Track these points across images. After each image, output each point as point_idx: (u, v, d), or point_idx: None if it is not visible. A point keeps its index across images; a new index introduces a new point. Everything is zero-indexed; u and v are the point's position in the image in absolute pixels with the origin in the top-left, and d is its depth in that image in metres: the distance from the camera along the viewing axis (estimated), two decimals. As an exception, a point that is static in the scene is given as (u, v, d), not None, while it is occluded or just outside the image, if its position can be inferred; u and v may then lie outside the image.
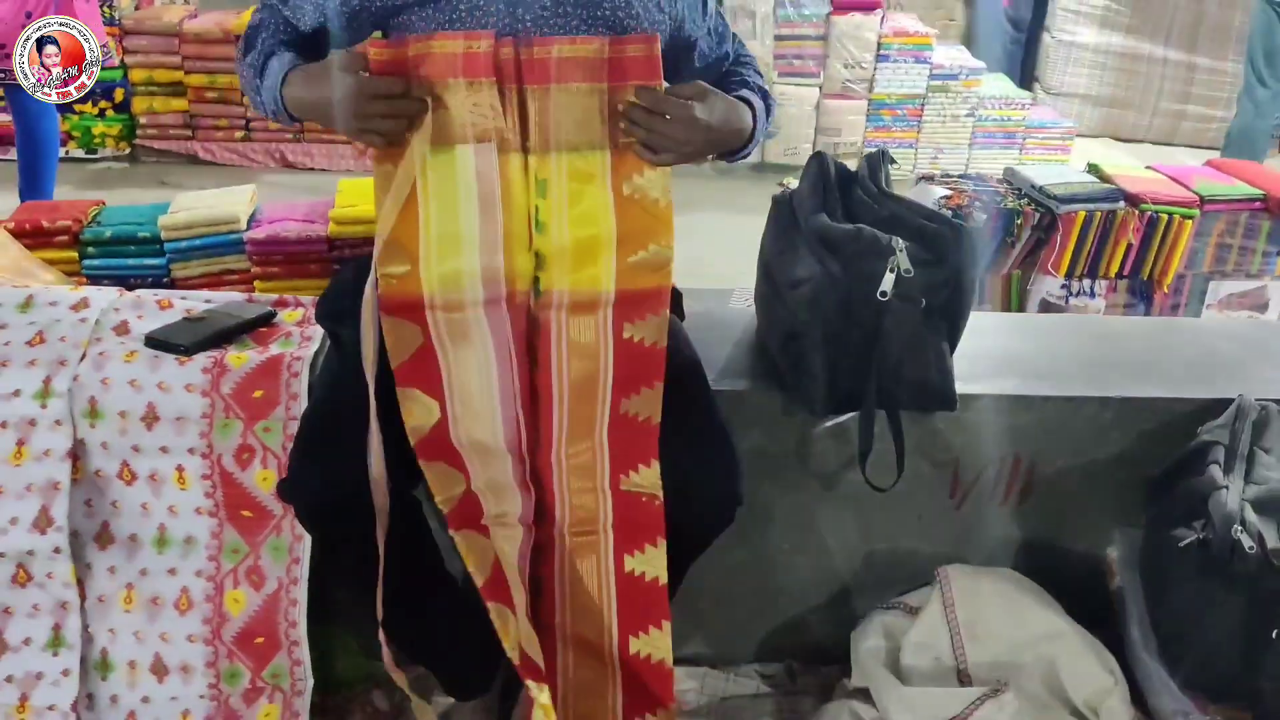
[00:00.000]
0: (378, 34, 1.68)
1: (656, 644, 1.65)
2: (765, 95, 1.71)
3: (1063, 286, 3.14)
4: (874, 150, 1.92)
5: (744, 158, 1.70)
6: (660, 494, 1.58)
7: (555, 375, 1.60)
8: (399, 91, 1.45)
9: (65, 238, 2.38)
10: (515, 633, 1.55)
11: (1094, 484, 1.92)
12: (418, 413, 1.53)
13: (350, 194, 2.48)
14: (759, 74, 1.79)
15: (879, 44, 5.09)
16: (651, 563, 1.61)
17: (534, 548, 1.62)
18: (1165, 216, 3.06)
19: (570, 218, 1.56)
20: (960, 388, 1.77)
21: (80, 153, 4.87)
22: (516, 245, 1.56)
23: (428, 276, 1.53)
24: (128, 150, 4.95)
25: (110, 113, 4.85)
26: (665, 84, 1.51)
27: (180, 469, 1.71)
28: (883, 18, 5.13)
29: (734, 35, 1.82)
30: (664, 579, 1.62)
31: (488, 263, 1.54)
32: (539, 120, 1.52)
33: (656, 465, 1.57)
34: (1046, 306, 3.14)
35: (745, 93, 1.66)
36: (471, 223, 1.53)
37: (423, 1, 1.55)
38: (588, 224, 1.57)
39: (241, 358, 1.72)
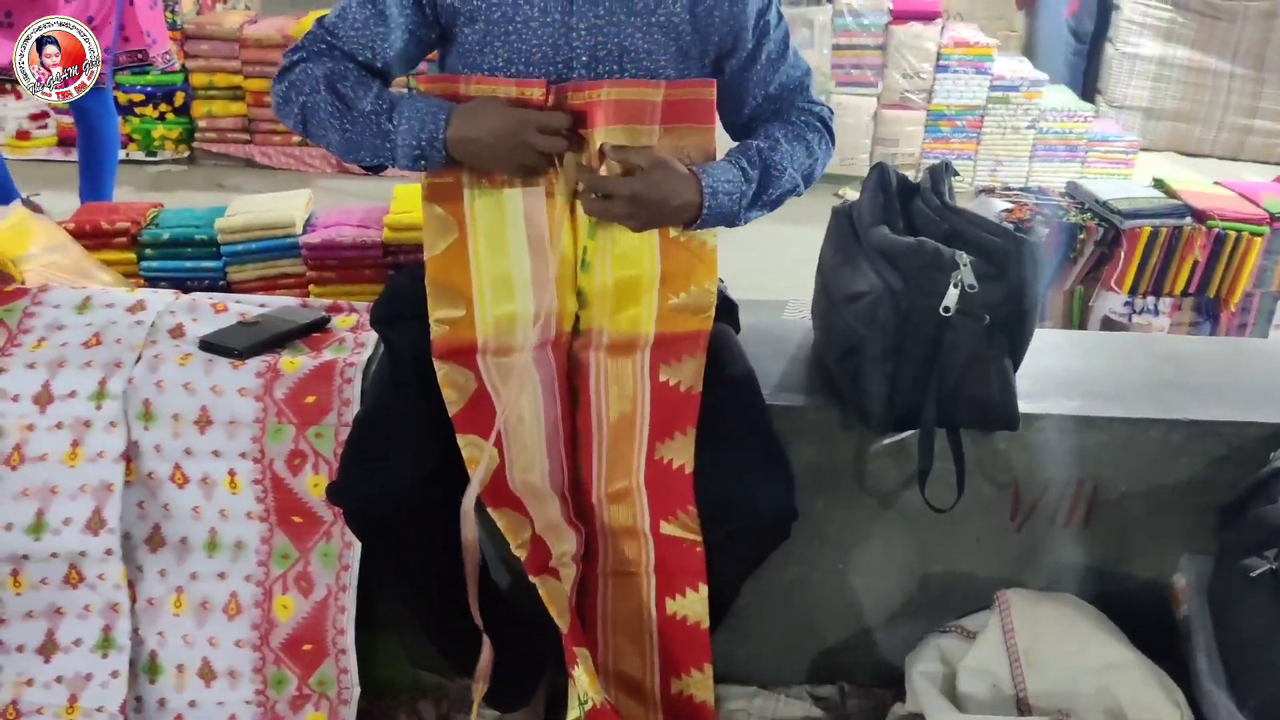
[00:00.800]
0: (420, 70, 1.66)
1: (698, 685, 1.65)
2: (767, 169, 1.57)
3: (1126, 304, 3.07)
4: (937, 162, 1.88)
5: (714, 225, 1.56)
6: (700, 539, 1.57)
7: (595, 415, 1.61)
8: (564, 125, 1.47)
9: (124, 239, 2.40)
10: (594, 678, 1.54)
11: (1160, 509, 1.87)
12: (483, 459, 1.51)
13: (405, 200, 2.48)
14: (802, 139, 1.64)
15: (939, 54, 5.03)
16: (692, 607, 1.61)
17: (579, 584, 1.61)
18: (1233, 233, 2.99)
19: (614, 257, 1.56)
20: (1022, 407, 1.72)
21: (140, 155, 4.93)
22: (563, 288, 1.56)
23: (482, 321, 1.54)
24: (186, 153, 5.01)
25: (170, 116, 4.91)
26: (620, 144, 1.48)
27: (232, 473, 1.71)
28: (943, 28, 5.07)
29: (803, 81, 1.70)
30: (705, 623, 1.62)
31: (540, 306, 1.54)
32: (590, 163, 1.51)
33: (694, 510, 1.56)
34: (1109, 324, 3.07)
35: (742, 162, 1.56)
36: (523, 266, 1.54)
37: (478, 13, 1.53)
38: (630, 264, 1.57)
39: (295, 363, 1.71)
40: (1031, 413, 1.78)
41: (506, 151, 1.47)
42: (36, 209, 3.60)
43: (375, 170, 1.59)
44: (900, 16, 5.01)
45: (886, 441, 1.78)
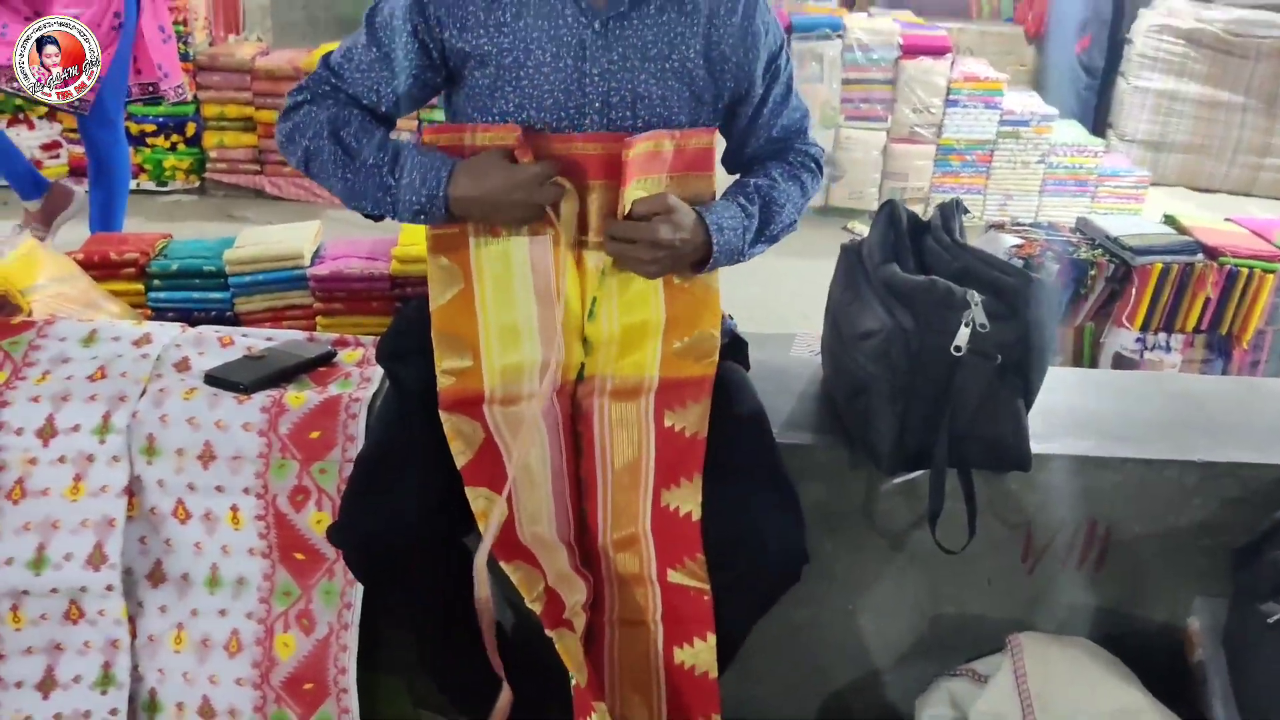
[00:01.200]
0: (424, 119, 1.67)
1: None
2: (767, 205, 1.60)
3: (1137, 340, 3.04)
4: (948, 199, 1.87)
5: (724, 263, 1.58)
6: (708, 587, 1.55)
7: (599, 462, 1.59)
8: (553, 174, 1.47)
9: (132, 270, 2.39)
10: None
11: (1174, 551, 1.84)
12: (494, 514, 1.49)
13: (413, 232, 2.47)
14: (798, 179, 1.67)
15: (948, 89, 5.03)
16: (701, 656, 1.59)
17: (585, 633, 1.59)
18: (1245, 270, 2.97)
19: (621, 304, 1.56)
20: (1034, 447, 1.70)
21: (151, 185, 4.94)
22: (570, 336, 1.55)
23: (489, 371, 1.53)
24: (197, 183, 5.02)
25: (181, 146, 4.93)
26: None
27: (235, 509, 1.69)
28: (953, 63, 5.07)
29: (802, 124, 1.72)
30: (714, 673, 1.59)
31: (547, 355, 1.53)
32: (600, 212, 1.51)
33: (702, 559, 1.54)
34: (1120, 360, 3.05)
35: (740, 199, 1.58)
36: (530, 315, 1.53)
37: (489, 58, 1.53)
38: (637, 310, 1.56)
39: (300, 398, 1.70)
40: (1044, 453, 1.76)
41: (508, 207, 1.48)
42: (67, 193, 3.61)
43: (376, 219, 1.58)
44: (910, 51, 5.01)
45: (897, 481, 1.77)
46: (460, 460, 1.49)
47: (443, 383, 1.52)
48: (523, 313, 1.53)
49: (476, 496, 1.49)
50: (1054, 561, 1.86)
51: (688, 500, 1.54)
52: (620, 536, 1.59)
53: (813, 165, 1.71)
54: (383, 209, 1.53)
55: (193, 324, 2.01)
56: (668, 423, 1.56)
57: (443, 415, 1.51)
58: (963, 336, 1.58)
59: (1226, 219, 3.29)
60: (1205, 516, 1.82)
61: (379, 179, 1.50)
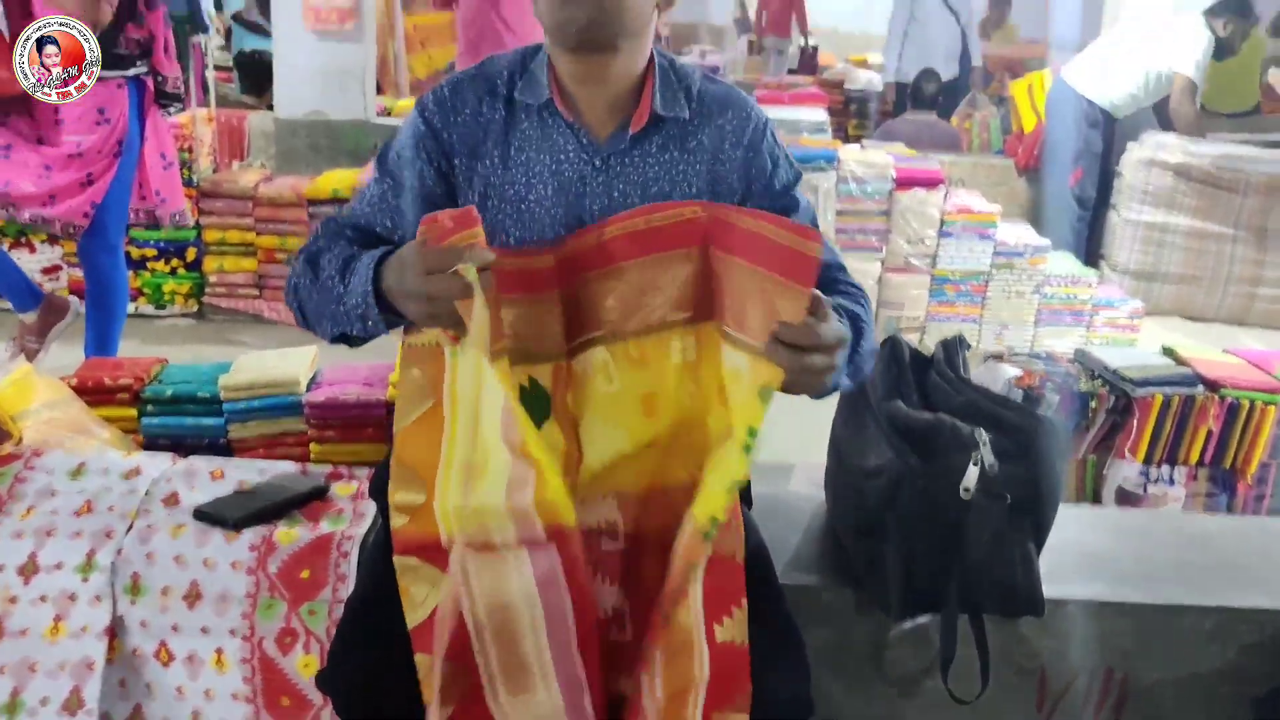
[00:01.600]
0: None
1: None
2: (853, 319, 1.44)
3: (1141, 473, 3.01)
4: (950, 335, 1.86)
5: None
6: None
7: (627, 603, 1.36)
8: (453, 260, 1.22)
9: (126, 395, 2.37)
10: None
11: (1195, 699, 1.78)
12: (450, 691, 1.27)
13: (412, 360, 2.46)
14: (860, 304, 1.54)
15: (942, 220, 5.09)
16: None
17: None
18: (1247, 403, 2.95)
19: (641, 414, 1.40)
20: (1046, 590, 1.65)
21: (149, 308, 4.95)
22: (560, 466, 1.34)
23: (443, 512, 1.28)
24: (195, 308, 5.03)
25: (181, 271, 4.95)
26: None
27: (219, 651, 1.63)
28: (946, 194, 5.14)
29: (836, 259, 1.60)
30: None
31: (517, 501, 1.25)
32: (619, 306, 1.41)
33: (750, 689, 1.32)
34: (1124, 495, 3.01)
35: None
36: (498, 444, 1.26)
37: (492, 189, 1.51)
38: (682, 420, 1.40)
39: (290, 535, 1.66)
40: (1056, 597, 1.71)
41: (410, 298, 1.26)
42: (63, 304, 3.61)
43: (345, 341, 1.44)
44: (903, 183, 5.09)
45: (906, 626, 1.71)
46: (411, 618, 1.30)
47: (395, 521, 1.32)
48: (503, 437, 1.26)
49: (424, 665, 1.29)
50: (1070, 710, 1.79)
51: (739, 630, 1.35)
52: (672, 691, 1.29)
53: (864, 298, 1.57)
54: (339, 323, 1.39)
55: (185, 451, 1.97)
56: (720, 638, 1.32)
57: (397, 561, 1.31)
58: (971, 477, 1.55)
59: (1225, 350, 3.29)
60: (1224, 664, 1.76)
61: (332, 289, 1.38)
